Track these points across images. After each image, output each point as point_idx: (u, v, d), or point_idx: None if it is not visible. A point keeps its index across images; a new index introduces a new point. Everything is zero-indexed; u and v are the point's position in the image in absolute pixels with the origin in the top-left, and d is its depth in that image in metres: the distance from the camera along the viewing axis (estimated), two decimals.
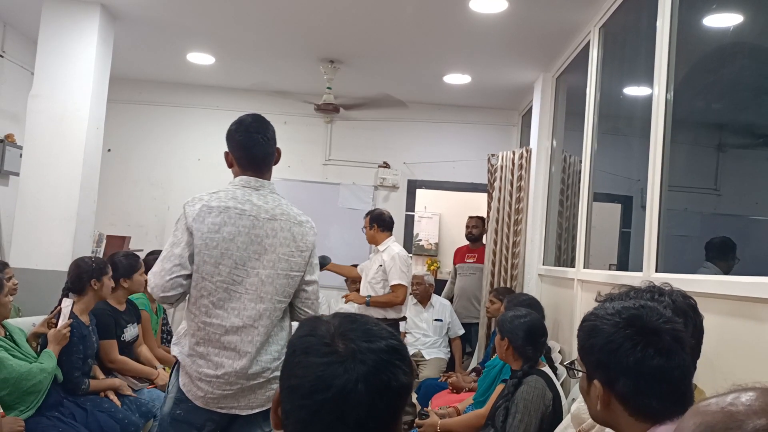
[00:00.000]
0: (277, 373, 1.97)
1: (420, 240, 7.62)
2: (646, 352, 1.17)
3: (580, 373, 1.29)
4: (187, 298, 2.02)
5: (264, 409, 2.02)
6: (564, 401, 2.63)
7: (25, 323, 3.08)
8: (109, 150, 5.59)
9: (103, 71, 4.29)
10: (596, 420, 1.28)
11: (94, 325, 3.18)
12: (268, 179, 2.11)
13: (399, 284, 4.00)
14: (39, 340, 2.97)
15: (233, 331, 1.95)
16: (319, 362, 0.87)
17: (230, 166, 2.12)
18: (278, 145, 2.15)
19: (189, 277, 1.96)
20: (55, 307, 3.02)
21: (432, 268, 7.51)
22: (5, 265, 3.42)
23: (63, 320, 2.95)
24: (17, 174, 4.28)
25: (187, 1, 4.05)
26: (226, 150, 2.11)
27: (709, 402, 0.71)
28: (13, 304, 3.27)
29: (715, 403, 0.70)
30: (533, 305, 3.33)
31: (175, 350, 2.04)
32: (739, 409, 0.67)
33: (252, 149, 2.06)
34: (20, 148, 4.36)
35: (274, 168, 2.14)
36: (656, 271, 2.63)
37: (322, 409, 0.85)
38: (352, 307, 4.27)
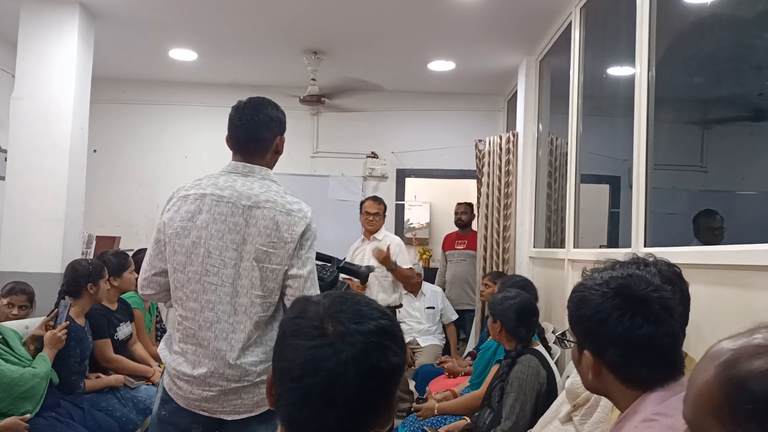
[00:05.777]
0: (265, 377, 1.80)
1: (412, 223, 7.63)
2: (634, 320, 1.18)
3: (572, 344, 1.31)
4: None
5: (254, 414, 1.85)
6: (558, 379, 2.65)
7: (18, 325, 3.06)
8: (95, 150, 5.53)
9: (85, 71, 4.25)
10: (589, 389, 1.30)
11: (88, 326, 3.18)
12: (265, 165, 1.98)
13: (411, 268, 4.21)
14: (37, 344, 2.95)
15: (207, 326, 1.81)
16: (308, 345, 0.86)
17: (232, 150, 2.01)
18: (279, 135, 2.00)
19: (165, 273, 1.88)
20: (53, 310, 3.02)
21: (424, 256, 7.52)
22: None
23: (60, 322, 2.95)
24: (3, 178, 4.25)
25: None
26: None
27: (721, 346, 0.73)
28: None
29: (730, 342, 0.72)
30: (527, 286, 3.35)
31: (161, 346, 1.95)
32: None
33: (237, 130, 1.95)
34: (5, 151, 4.31)
35: None
36: (645, 247, 2.65)
37: (312, 392, 0.85)
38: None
